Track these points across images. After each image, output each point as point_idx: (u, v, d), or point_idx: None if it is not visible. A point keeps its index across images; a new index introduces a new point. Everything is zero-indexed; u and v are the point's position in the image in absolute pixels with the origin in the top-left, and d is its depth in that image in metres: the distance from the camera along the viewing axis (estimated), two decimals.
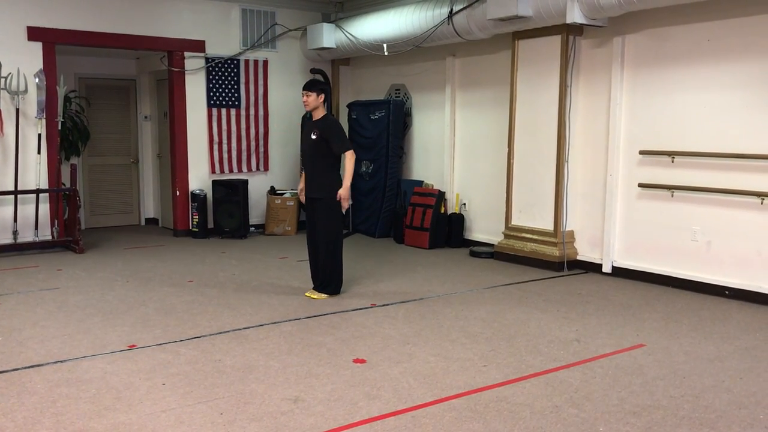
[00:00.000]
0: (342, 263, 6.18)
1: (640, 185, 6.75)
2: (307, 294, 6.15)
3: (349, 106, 10.04)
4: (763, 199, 5.83)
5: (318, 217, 6.05)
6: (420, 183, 9.33)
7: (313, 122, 6.08)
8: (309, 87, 6.02)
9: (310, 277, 6.30)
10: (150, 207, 10.76)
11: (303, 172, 6.21)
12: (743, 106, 5.97)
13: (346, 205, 6.00)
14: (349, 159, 5.93)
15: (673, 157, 6.46)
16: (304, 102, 6.02)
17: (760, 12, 5.81)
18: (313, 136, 5.96)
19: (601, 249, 7.14)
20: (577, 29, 7.05)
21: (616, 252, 7.03)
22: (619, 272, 6.97)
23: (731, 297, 6.06)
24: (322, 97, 6.01)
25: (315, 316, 5.52)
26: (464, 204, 8.84)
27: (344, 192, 5.94)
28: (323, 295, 6.08)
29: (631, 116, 6.82)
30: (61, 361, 4.44)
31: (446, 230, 8.75)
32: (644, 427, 3.51)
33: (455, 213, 8.82)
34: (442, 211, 8.80)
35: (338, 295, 6.14)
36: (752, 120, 5.91)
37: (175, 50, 9.20)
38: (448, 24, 7.80)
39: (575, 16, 6.47)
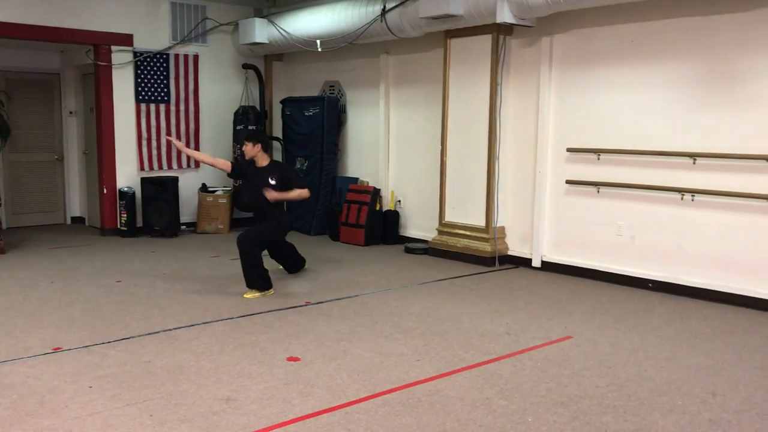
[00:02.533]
0: (261, 260, 6.19)
1: (568, 182, 6.94)
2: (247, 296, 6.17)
3: (282, 102, 9.95)
4: (684, 194, 6.08)
5: (264, 225, 6.38)
6: (355, 180, 9.34)
7: (262, 169, 6.39)
8: (247, 138, 6.46)
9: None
10: (76, 205, 10.41)
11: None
12: (664, 105, 6.21)
13: (272, 195, 6.20)
14: (299, 193, 6.37)
15: (599, 155, 6.66)
16: (247, 151, 6.40)
17: (678, 15, 6.05)
18: (272, 182, 6.25)
19: (530, 244, 7.31)
20: (507, 29, 7.18)
21: (545, 247, 7.21)
22: (548, 266, 7.15)
23: (654, 289, 6.30)
24: (258, 146, 6.37)
25: (248, 315, 5.46)
26: (399, 201, 8.90)
27: (277, 195, 6.21)
28: (257, 293, 6.08)
29: (559, 114, 7.01)
30: None
31: (382, 227, 8.79)
32: (571, 416, 3.62)
33: (390, 210, 8.86)
34: (378, 208, 8.83)
35: (272, 291, 6.16)
36: (673, 118, 6.15)
37: (101, 44, 8.92)
38: (381, 21, 7.83)
39: (505, 15, 6.60)
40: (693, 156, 5.98)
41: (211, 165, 6.75)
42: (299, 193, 6.38)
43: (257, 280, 6.07)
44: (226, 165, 6.71)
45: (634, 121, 6.41)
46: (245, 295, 6.03)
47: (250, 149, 6.38)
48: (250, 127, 9.59)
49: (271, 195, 6.17)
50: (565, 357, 4.54)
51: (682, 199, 6.11)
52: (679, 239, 6.18)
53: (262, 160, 6.43)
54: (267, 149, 6.53)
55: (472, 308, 5.73)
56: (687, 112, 6.06)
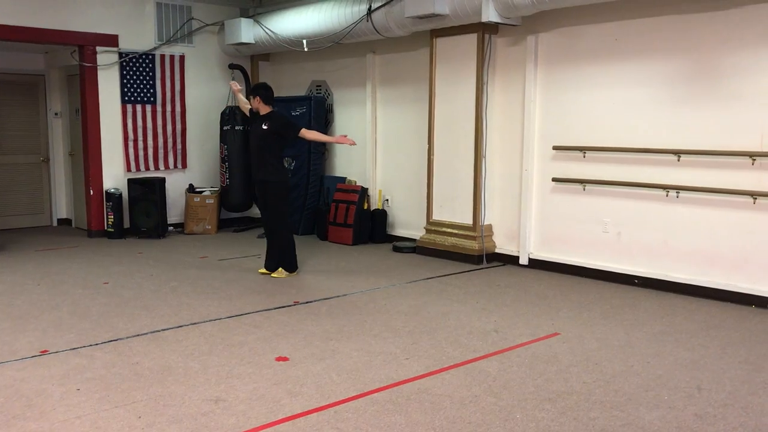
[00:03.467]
0: (293, 241, 6.80)
1: (554, 180, 6.98)
2: (262, 271, 6.93)
3: None
4: (668, 191, 6.13)
5: (268, 199, 6.66)
6: (343, 179, 9.35)
7: (261, 116, 6.70)
8: (254, 92, 6.77)
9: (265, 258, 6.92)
10: (62, 207, 10.35)
11: None
12: (649, 102, 6.26)
13: (350, 141, 6.73)
14: (309, 132, 6.78)
15: (585, 152, 6.71)
16: (254, 105, 6.77)
17: (661, 13, 6.11)
18: (264, 127, 6.59)
19: (517, 242, 7.35)
20: (492, 28, 7.21)
21: (532, 244, 7.25)
22: (535, 264, 7.19)
23: (640, 285, 6.35)
24: (257, 99, 6.67)
25: (236, 315, 5.46)
26: (387, 200, 8.91)
27: (342, 138, 6.70)
28: (283, 273, 6.74)
29: (545, 113, 7.04)
30: None
31: (369, 226, 8.80)
32: (559, 412, 3.65)
33: (378, 209, 8.88)
34: (366, 207, 8.84)
35: (296, 272, 6.81)
36: (657, 116, 6.20)
37: (86, 45, 8.87)
38: (367, 21, 7.84)
39: (490, 14, 6.63)
40: (677, 153, 6.03)
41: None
42: (317, 134, 6.93)
43: (288, 260, 6.74)
44: (246, 108, 7.12)
45: (619, 118, 6.46)
46: (273, 275, 6.74)
47: (255, 103, 6.73)
48: (237, 128, 9.55)
49: (349, 141, 6.68)
50: (552, 353, 4.57)
51: (666, 195, 6.16)
52: (664, 235, 6.23)
53: (263, 110, 6.69)
54: (268, 101, 6.71)
55: (460, 306, 5.75)
56: (671, 109, 6.11)
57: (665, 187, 6.14)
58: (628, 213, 6.46)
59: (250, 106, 6.91)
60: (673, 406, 3.74)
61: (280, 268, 6.79)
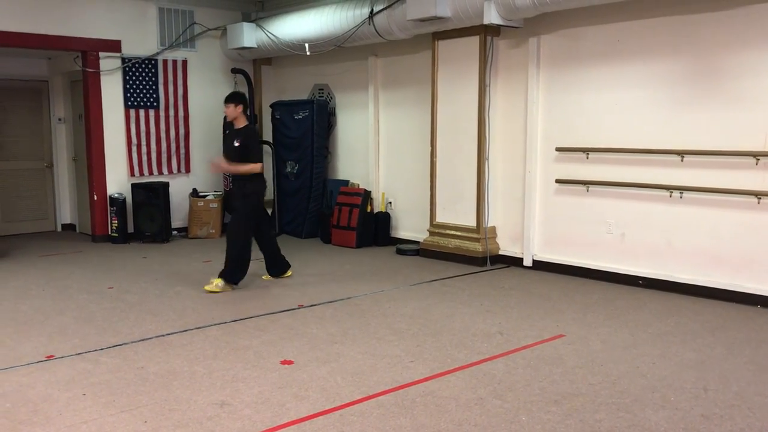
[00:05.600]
0: (244, 256, 6.43)
1: (557, 181, 6.97)
2: (266, 277, 6.83)
3: (272, 106, 9.95)
4: (672, 192, 6.12)
5: (233, 216, 6.56)
6: (346, 182, 9.35)
7: (235, 131, 6.50)
8: (227, 99, 6.51)
9: (265, 268, 6.86)
10: (66, 212, 10.38)
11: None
12: (652, 103, 6.25)
13: (216, 163, 6.63)
14: (252, 166, 6.34)
15: (588, 153, 6.70)
16: (226, 113, 6.53)
17: (664, 14, 6.10)
18: (236, 144, 6.36)
19: (521, 243, 7.34)
20: (494, 30, 7.22)
21: (536, 246, 7.24)
22: (539, 265, 7.18)
23: (644, 286, 6.34)
24: (240, 108, 6.45)
25: (241, 319, 5.47)
26: (390, 202, 8.92)
27: (220, 162, 6.49)
28: (220, 285, 6.34)
29: (548, 114, 7.04)
30: None
31: (373, 229, 8.80)
32: (565, 414, 3.64)
33: (381, 212, 8.88)
34: (369, 210, 8.84)
35: (234, 284, 6.46)
36: (659, 117, 6.20)
37: (89, 50, 8.91)
38: (369, 24, 7.85)
39: (492, 17, 6.63)
40: (681, 153, 6.03)
41: None
42: (248, 167, 6.32)
43: (233, 272, 6.39)
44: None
45: (622, 119, 6.46)
46: (206, 287, 6.34)
47: (232, 111, 6.42)
48: None
49: (218, 167, 6.47)
50: (557, 355, 4.57)
51: (670, 196, 6.15)
52: (668, 236, 6.23)
53: (240, 122, 6.48)
54: (245, 112, 6.52)
55: (465, 308, 5.75)
56: (674, 110, 6.11)
57: (669, 188, 6.14)
58: (632, 214, 6.45)
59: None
60: (680, 407, 3.73)
61: (218, 279, 6.36)
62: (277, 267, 6.88)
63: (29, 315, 5.63)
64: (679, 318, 5.42)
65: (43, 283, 6.80)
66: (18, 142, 9.92)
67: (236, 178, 6.55)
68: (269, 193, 10.22)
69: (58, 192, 10.29)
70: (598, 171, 6.66)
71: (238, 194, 6.49)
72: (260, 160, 6.53)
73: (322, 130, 9.38)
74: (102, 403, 3.81)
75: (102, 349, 4.75)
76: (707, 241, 5.98)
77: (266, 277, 6.88)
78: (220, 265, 7.59)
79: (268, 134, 10.22)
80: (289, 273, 6.95)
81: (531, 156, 7.15)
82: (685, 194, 6.05)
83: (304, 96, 9.91)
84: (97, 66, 8.99)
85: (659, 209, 6.26)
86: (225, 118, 9.58)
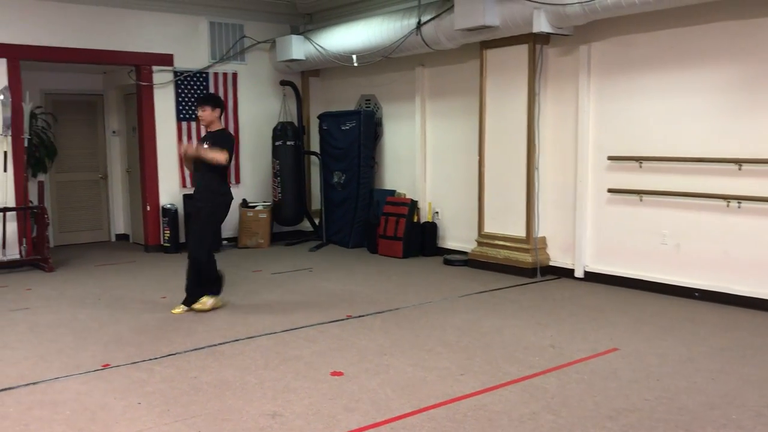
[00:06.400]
0: (215, 263, 6.16)
1: (610, 190, 6.85)
2: (177, 311, 6.09)
3: (319, 117, 10.04)
4: (729, 201, 5.95)
5: (192, 231, 6.15)
6: (392, 192, 9.36)
7: (209, 134, 6.14)
8: (204, 101, 6.08)
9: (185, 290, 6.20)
10: (120, 223, 10.63)
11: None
12: (706, 110, 6.10)
13: (185, 148, 6.00)
14: (217, 153, 5.83)
15: (641, 162, 6.57)
16: (200, 116, 6.08)
17: (719, 19, 5.95)
18: (205, 146, 5.96)
19: (572, 254, 7.22)
20: (543, 38, 7.15)
21: (587, 257, 7.12)
22: (591, 277, 7.05)
23: (701, 298, 6.17)
24: (217, 111, 6.08)
25: (291, 329, 5.50)
26: (437, 212, 8.88)
27: (192, 149, 5.92)
28: (207, 302, 6.07)
29: (599, 123, 6.93)
30: (34, 383, 4.36)
31: (420, 239, 8.78)
32: (620, 430, 3.56)
33: (428, 221, 8.85)
34: (415, 220, 8.83)
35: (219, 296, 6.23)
36: (715, 124, 6.04)
37: (142, 64, 9.13)
38: (417, 35, 7.86)
39: (541, 25, 6.56)
40: (738, 162, 5.86)
41: None
42: (213, 154, 5.82)
43: (216, 283, 6.13)
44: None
45: (676, 127, 6.31)
46: (196, 306, 6.05)
47: (209, 114, 6.02)
48: (288, 143, 9.70)
49: (187, 149, 5.94)
50: (611, 369, 4.47)
51: (727, 206, 5.98)
52: (725, 247, 6.05)
53: (215, 126, 6.10)
54: (222, 115, 6.21)
55: (515, 321, 5.68)
56: (731, 117, 5.95)
57: (726, 197, 5.97)
58: (687, 224, 6.29)
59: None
60: (742, 425, 3.61)
61: (204, 297, 6.08)
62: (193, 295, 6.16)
63: (86, 324, 5.77)
64: (738, 332, 5.25)
65: (98, 292, 6.97)
66: (74, 155, 10.22)
67: (200, 183, 6.08)
68: (317, 203, 10.33)
69: (112, 203, 10.55)
70: (652, 180, 6.52)
71: (203, 198, 6.03)
72: (229, 153, 5.95)
73: (368, 141, 9.41)
74: (157, 413, 3.87)
75: (156, 358, 4.84)
76: (766, 252, 5.78)
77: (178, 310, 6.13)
78: (269, 274, 7.69)
79: (315, 145, 10.31)
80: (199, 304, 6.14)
81: (582, 165, 7.05)
82: (744, 204, 5.87)
83: (351, 107, 9.96)
84: (150, 79, 9.21)
85: (716, 219, 6.09)
86: (274, 129, 9.80)
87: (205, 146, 5.95)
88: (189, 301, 6.11)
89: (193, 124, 9.58)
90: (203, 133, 6.49)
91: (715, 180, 6.06)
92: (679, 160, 6.27)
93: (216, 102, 6.15)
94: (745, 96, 5.84)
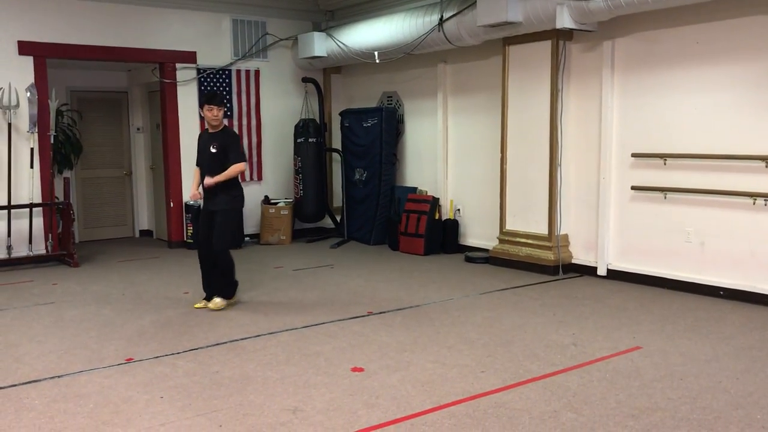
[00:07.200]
0: (234, 269, 6.16)
1: (633, 188, 6.78)
2: (199, 306, 6.12)
3: (341, 114, 10.05)
4: (756, 199, 5.86)
5: (216, 226, 5.96)
6: (414, 189, 9.35)
7: (210, 135, 6.03)
8: (212, 100, 5.92)
9: (202, 289, 6.23)
10: (144, 219, 10.74)
11: (196, 173, 6.24)
12: (732, 107, 6.01)
13: (208, 183, 5.91)
14: (235, 167, 5.92)
15: (665, 160, 6.49)
16: (213, 116, 5.91)
17: (746, 14, 5.86)
18: (213, 150, 5.92)
19: (595, 252, 7.16)
20: (566, 34, 7.09)
21: (610, 255, 7.05)
22: (614, 275, 6.99)
23: (726, 297, 6.09)
24: (222, 111, 5.97)
25: (311, 325, 5.52)
26: (458, 210, 8.86)
27: (210, 181, 5.88)
28: (221, 302, 6.04)
29: (623, 119, 6.86)
30: (59, 376, 4.43)
31: (441, 236, 8.76)
32: (643, 429, 3.52)
33: (450, 219, 8.83)
34: (437, 217, 8.81)
35: (232, 299, 6.19)
36: (741, 121, 5.95)
37: (166, 62, 9.20)
38: (439, 31, 7.84)
39: (565, 21, 6.51)
40: (765, 159, 5.77)
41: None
42: (232, 170, 5.89)
43: (231, 287, 6.11)
44: (197, 171, 6.26)
45: (701, 124, 6.23)
46: (209, 306, 6.00)
47: (215, 114, 5.89)
48: (310, 140, 9.73)
49: (208, 182, 5.87)
50: (634, 368, 4.43)
51: (754, 204, 5.89)
52: (751, 245, 5.96)
53: (218, 126, 6.00)
54: (225, 114, 6.17)
55: (537, 318, 5.65)
56: (757, 113, 5.85)
57: (752, 195, 5.88)
58: (712, 222, 6.21)
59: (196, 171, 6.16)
60: (767, 426, 3.55)
61: (217, 298, 6.05)
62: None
63: (110, 318, 5.84)
64: (764, 331, 5.17)
65: (122, 287, 7.05)
66: (99, 151, 10.34)
67: (214, 187, 5.96)
68: (338, 200, 10.35)
69: (136, 199, 10.66)
70: (677, 177, 6.44)
71: (220, 202, 5.99)
72: (243, 160, 6.02)
73: (390, 138, 9.41)
74: (179, 407, 3.91)
75: (178, 352, 4.88)
76: None
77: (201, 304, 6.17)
78: (290, 270, 7.72)
79: (337, 142, 10.33)
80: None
81: (605, 162, 6.98)
82: None
83: (372, 104, 9.96)
84: (174, 77, 9.28)
85: (742, 217, 6.00)
86: (296, 127, 9.82)
87: (213, 150, 5.91)
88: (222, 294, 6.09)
89: None
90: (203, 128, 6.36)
91: (741, 177, 5.97)
92: (705, 158, 6.19)
93: (222, 100, 6.05)
94: None
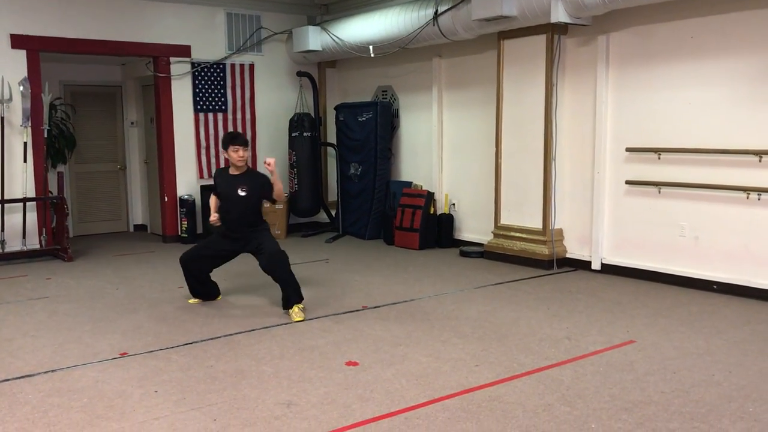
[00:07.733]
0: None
1: (628, 182, 6.79)
2: (193, 301, 6.09)
3: (336, 108, 10.03)
4: (749, 193, 5.88)
5: (264, 242, 5.76)
6: (409, 184, 9.35)
7: (234, 176, 5.77)
8: (241, 141, 5.72)
9: (192, 294, 6.11)
10: (138, 213, 10.72)
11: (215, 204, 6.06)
12: (727, 101, 6.02)
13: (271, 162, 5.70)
14: (282, 195, 5.94)
15: (660, 154, 6.50)
16: (239, 158, 5.68)
17: (740, 8, 5.87)
18: (242, 193, 5.70)
19: (589, 246, 7.18)
20: (561, 28, 7.09)
21: (604, 249, 7.07)
22: (608, 269, 7.01)
23: (719, 291, 6.11)
24: (245, 150, 5.74)
25: (307, 320, 5.52)
26: (453, 204, 8.86)
27: (272, 167, 5.68)
28: (301, 307, 5.65)
29: (617, 114, 6.87)
30: (53, 371, 4.42)
31: (436, 231, 8.77)
32: (636, 422, 3.54)
33: (445, 213, 8.84)
34: (432, 211, 8.81)
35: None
36: (736, 115, 5.96)
37: (160, 56, 9.17)
38: (434, 25, 7.83)
39: (559, 15, 6.51)
40: (759, 153, 5.78)
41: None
42: (281, 195, 5.91)
43: (298, 287, 5.72)
44: (214, 199, 6.07)
45: (695, 119, 6.24)
46: (295, 318, 5.52)
47: (240, 155, 5.68)
48: (305, 134, 9.71)
49: (272, 167, 5.65)
50: (628, 362, 4.44)
51: (747, 198, 5.91)
52: (745, 240, 5.98)
53: (243, 167, 5.80)
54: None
55: (531, 312, 5.66)
56: (751, 108, 5.87)
57: (746, 189, 5.90)
58: (706, 216, 6.23)
59: (214, 200, 6.01)
60: (759, 418, 3.57)
61: (296, 307, 5.63)
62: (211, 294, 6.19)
63: (104, 313, 5.83)
64: (757, 325, 5.19)
65: (117, 282, 7.04)
66: (93, 146, 10.31)
67: (246, 230, 5.81)
68: (333, 194, 10.35)
69: (131, 193, 10.64)
70: (671, 172, 6.46)
71: (256, 238, 5.80)
72: (282, 189, 5.98)
73: (385, 132, 9.40)
74: (173, 401, 3.91)
75: (173, 347, 4.88)
76: None
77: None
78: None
79: (332, 136, 10.32)
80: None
81: (600, 156, 6.99)
82: (764, 196, 5.80)
83: (367, 98, 9.95)
84: (168, 71, 9.25)
85: (735, 212, 6.02)
86: (291, 121, 9.80)
87: (242, 193, 5.69)
88: (293, 302, 5.67)
89: (210, 116, 9.62)
90: (218, 165, 6.18)
91: (735, 172, 5.99)
92: (699, 152, 6.20)
93: (246, 140, 5.81)
94: (766, 87, 5.75)
